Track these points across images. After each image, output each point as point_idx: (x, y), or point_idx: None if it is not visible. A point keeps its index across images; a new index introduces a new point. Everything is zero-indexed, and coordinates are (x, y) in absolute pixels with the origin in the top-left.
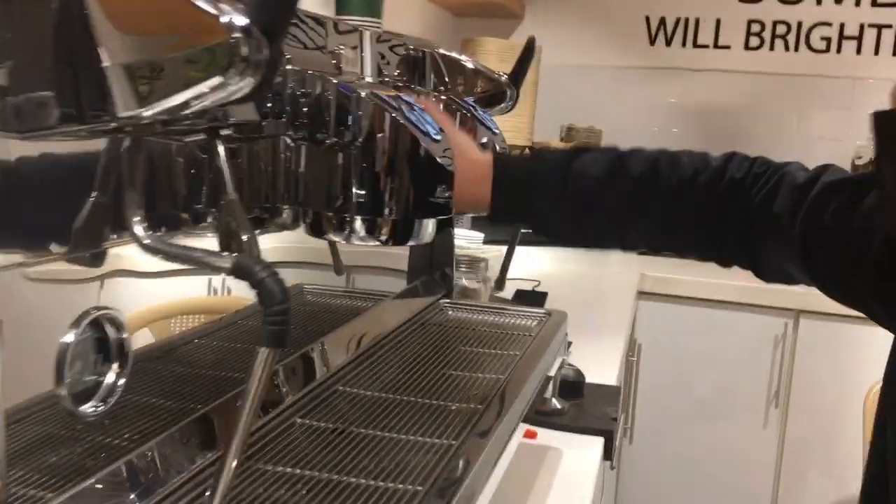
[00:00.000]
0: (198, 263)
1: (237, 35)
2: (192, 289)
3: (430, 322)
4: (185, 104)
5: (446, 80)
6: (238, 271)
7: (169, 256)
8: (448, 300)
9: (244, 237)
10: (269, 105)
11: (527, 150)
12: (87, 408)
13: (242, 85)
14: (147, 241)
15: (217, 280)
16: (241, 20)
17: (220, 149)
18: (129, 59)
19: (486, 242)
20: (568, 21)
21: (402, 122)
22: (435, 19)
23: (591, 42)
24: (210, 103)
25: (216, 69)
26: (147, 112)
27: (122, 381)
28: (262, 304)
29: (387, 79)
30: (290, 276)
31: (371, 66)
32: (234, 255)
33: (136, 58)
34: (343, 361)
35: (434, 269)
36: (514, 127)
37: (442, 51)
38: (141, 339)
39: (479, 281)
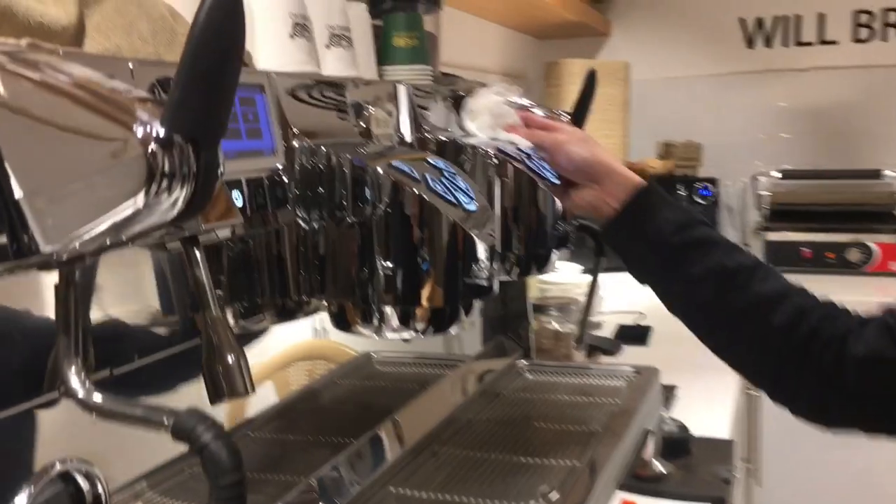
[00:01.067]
0: (139, 422)
1: (153, 147)
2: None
3: (505, 390)
4: (113, 231)
5: None
6: (178, 434)
7: (106, 415)
8: (526, 360)
9: (229, 359)
10: (282, 188)
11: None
12: None
13: (172, 201)
14: (81, 397)
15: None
16: (158, 129)
17: (199, 257)
18: (41, 187)
19: (584, 272)
20: (656, 33)
21: (425, 195)
22: (517, 46)
23: (682, 51)
24: (142, 227)
25: (136, 188)
26: (71, 244)
27: None
28: (207, 475)
29: (428, 134)
30: (358, 340)
31: (408, 123)
32: (176, 412)
33: (49, 185)
34: (403, 452)
35: (509, 323)
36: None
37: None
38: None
39: (572, 324)
